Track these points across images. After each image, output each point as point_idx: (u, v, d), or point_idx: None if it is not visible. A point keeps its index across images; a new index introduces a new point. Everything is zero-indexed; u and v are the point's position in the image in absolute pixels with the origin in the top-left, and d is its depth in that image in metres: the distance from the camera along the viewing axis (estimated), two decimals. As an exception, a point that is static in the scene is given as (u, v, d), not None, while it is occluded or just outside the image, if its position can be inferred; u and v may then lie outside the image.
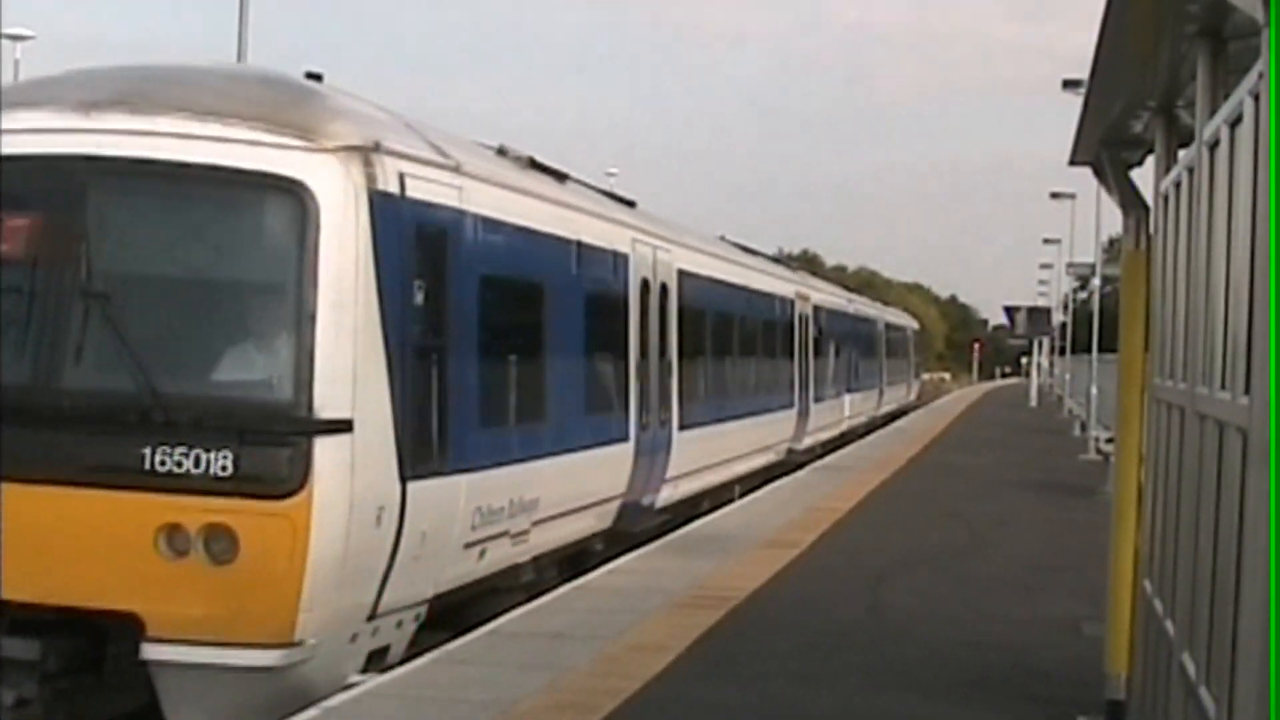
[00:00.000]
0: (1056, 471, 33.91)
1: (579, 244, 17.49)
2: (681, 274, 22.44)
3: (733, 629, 14.14)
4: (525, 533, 15.27)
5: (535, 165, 17.54)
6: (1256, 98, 5.33)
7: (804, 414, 35.07)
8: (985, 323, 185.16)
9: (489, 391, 14.39)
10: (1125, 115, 9.72)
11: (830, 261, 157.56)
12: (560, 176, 18.53)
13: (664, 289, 21.34)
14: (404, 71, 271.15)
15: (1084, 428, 45.52)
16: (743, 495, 26.70)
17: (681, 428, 21.88)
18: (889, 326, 61.81)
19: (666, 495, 21.65)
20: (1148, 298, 10.07)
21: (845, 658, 13.06)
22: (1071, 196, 61.16)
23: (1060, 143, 11.68)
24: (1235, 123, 5.97)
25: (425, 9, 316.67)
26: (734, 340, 27.45)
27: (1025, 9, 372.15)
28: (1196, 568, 6.70)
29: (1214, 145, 6.67)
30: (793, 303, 34.69)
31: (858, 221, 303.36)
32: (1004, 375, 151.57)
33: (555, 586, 16.32)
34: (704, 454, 23.72)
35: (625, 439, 19.12)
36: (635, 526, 19.87)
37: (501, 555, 14.74)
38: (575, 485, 17.08)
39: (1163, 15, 7.10)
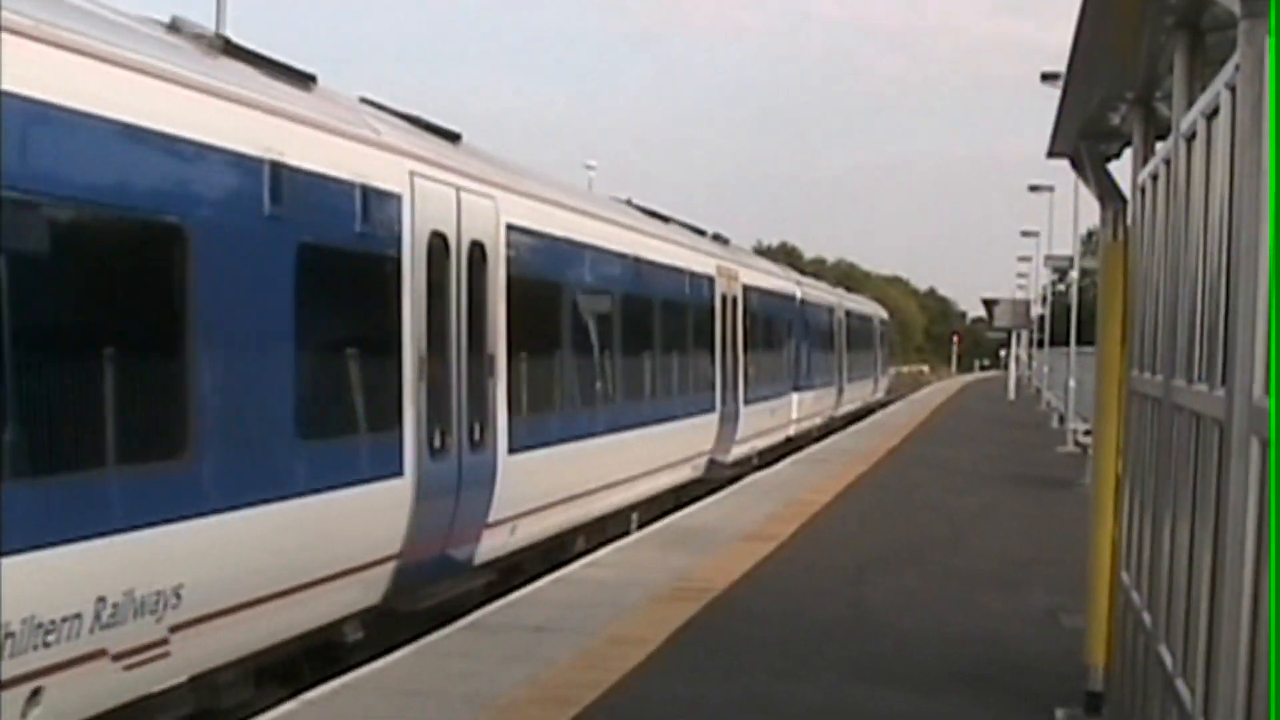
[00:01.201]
0: (1035, 464, 33.96)
1: (274, 166, 11.26)
2: (514, 231, 16.23)
3: (713, 622, 14.14)
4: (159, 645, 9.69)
5: (228, 46, 11.77)
6: (1233, 90, 5.35)
7: (729, 419, 28.72)
8: (964, 315, 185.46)
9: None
10: (1103, 108, 9.74)
11: (809, 254, 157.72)
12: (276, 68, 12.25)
13: (477, 250, 15.10)
14: (389, 62, 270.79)
15: (1062, 420, 45.60)
16: (644, 525, 21.63)
17: (515, 449, 15.88)
18: (851, 315, 55.01)
19: (493, 545, 15.79)
20: (1125, 290, 10.10)
21: (825, 650, 13.07)
22: (1050, 189, 61.34)
23: (1039, 136, 11.70)
24: (1212, 115, 5.99)
25: (407, 3, 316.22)
26: (611, 327, 20.80)
27: (1008, 4, 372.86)
28: (1174, 559, 6.72)
29: (1191, 137, 6.69)
30: (711, 281, 27.74)
31: (837, 214, 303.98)
32: (983, 368, 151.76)
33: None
34: (555, 483, 17.70)
35: (397, 473, 13.11)
36: (422, 600, 13.97)
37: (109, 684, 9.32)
38: (288, 552, 11.42)
39: (1141, 8, 7.12)
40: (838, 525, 21.62)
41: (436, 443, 13.92)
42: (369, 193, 12.72)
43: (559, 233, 18.33)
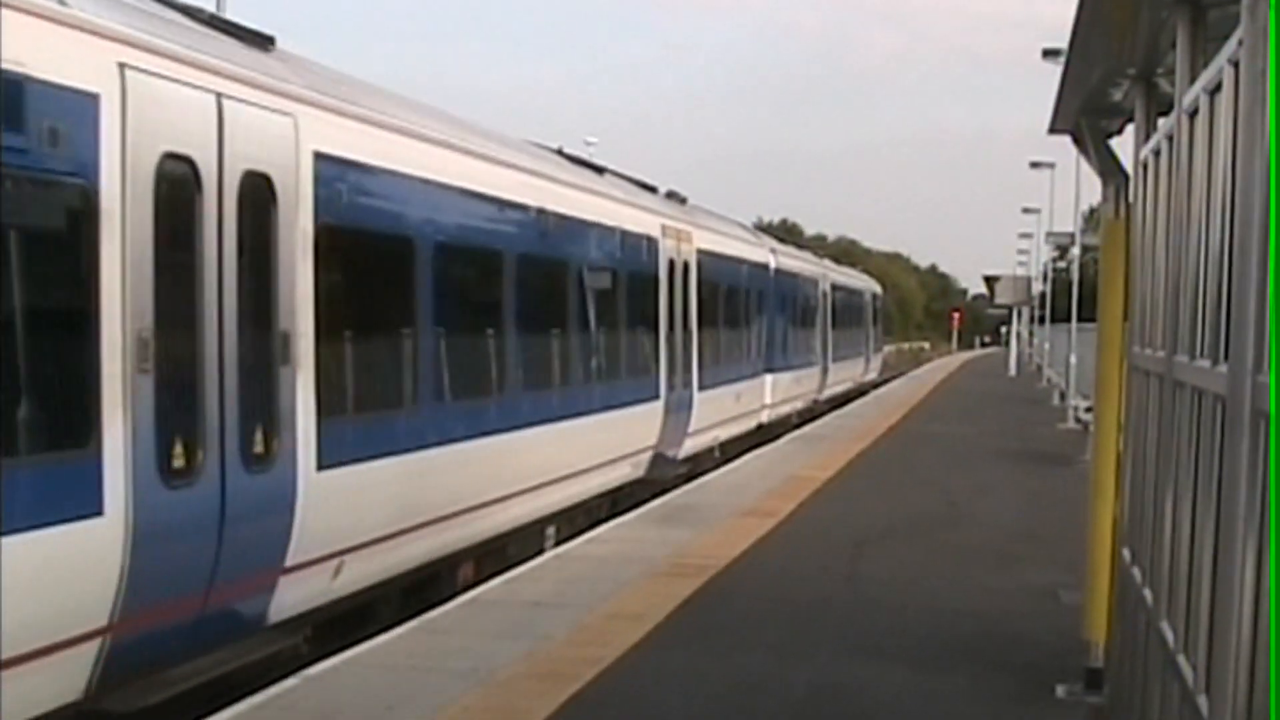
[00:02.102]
0: (1035, 440, 33.98)
1: None
2: (329, 163, 12.29)
3: (711, 598, 14.15)
4: None
5: None
6: (1236, 65, 5.32)
7: (679, 407, 24.64)
8: (965, 292, 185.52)
9: None
10: (1104, 83, 9.71)
11: (810, 231, 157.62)
12: None
13: (257, 186, 11.19)
14: (382, 42, 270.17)
15: (1063, 397, 45.60)
16: (569, 539, 18.23)
17: (330, 463, 12.06)
18: (837, 289, 49.85)
19: (300, 594, 11.98)
20: (1127, 266, 10.07)
21: (823, 627, 13.08)
22: (1051, 166, 61.17)
23: (1040, 112, 11.67)
24: (1215, 91, 5.95)
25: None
26: (502, 298, 16.55)
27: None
28: (1175, 536, 6.71)
29: (1193, 113, 6.66)
30: (653, 243, 23.25)
31: (837, 191, 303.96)
32: (983, 345, 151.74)
33: None
34: (411, 501, 13.86)
35: (93, 512, 9.27)
36: (153, 694, 10.08)
37: None
38: None
39: (1143, -17, 7.09)
40: (837, 502, 21.63)
41: (176, 462, 10.09)
42: (29, 88, 8.76)
43: (413, 171, 14.05)
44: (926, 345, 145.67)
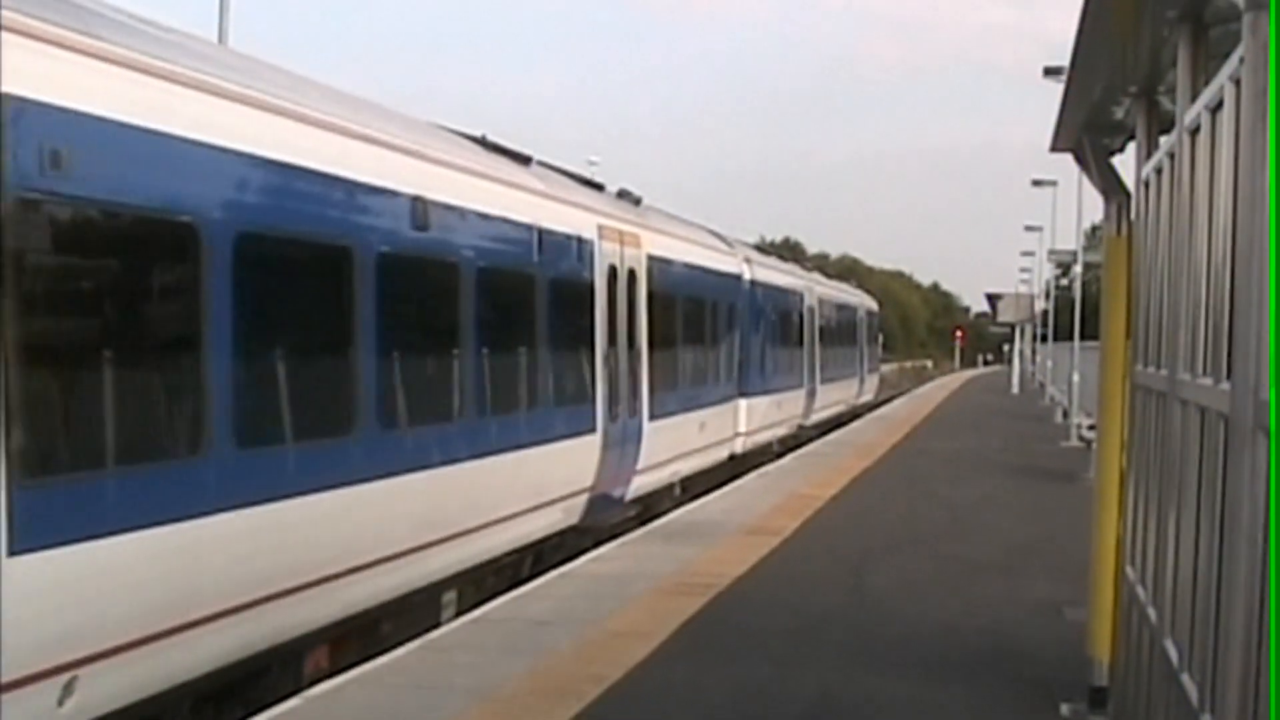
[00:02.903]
0: (1039, 458, 33.96)
1: None
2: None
3: (716, 615, 14.15)
4: None
5: None
6: (1237, 83, 5.34)
7: (623, 440, 20.81)
8: (967, 310, 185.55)
9: None
10: (1106, 101, 9.73)
11: (813, 249, 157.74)
12: None
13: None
14: (385, 56, 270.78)
15: (1066, 414, 45.55)
16: (466, 609, 14.80)
17: (21, 549, 8.32)
18: (826, 303, 45.83)
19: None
20: (1129, 284, 10.09)
21: (828, 642, 13.07)
22: (1053, 184, 61.16)
23: (1043, 129, 11.69)
24: (1216, 108, 5.97)
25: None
26: (354, 309, 12.73)
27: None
28: (1179, 554, 6.71)
29: (1195, 131, 6.67)
30: (586, 246, 19.49)
31: (840, 208, 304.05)
32: (986, 363, 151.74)
33: None
34: (198, 581, 10.30)
35: None
36: None
37: None
38: None
39: (1144, 0, 7.10)
40: (842, 519, 21.62)
41: None
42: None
43: (189, 132, 10.25)
44: (929, 363, 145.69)
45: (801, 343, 39.89)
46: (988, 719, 10.81)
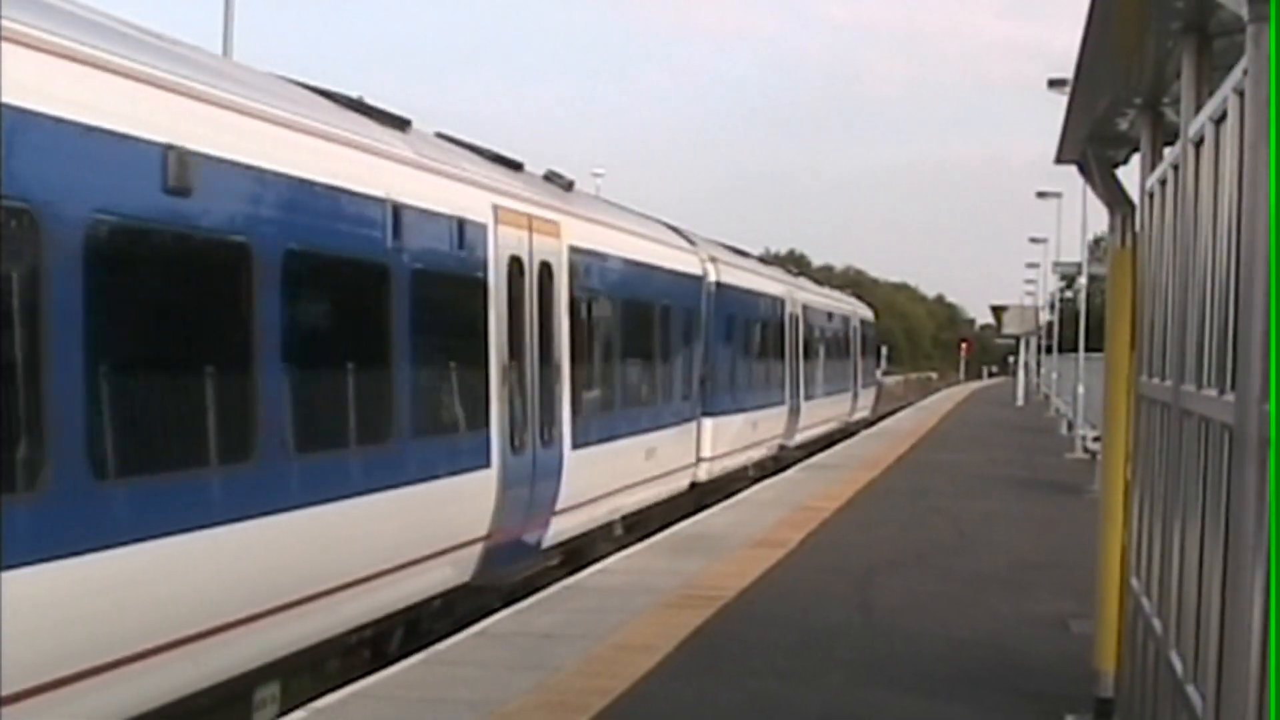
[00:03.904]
0: (1044, 470, 33.94)
1: None
2: None
3: (721, 628, 14.13)
4: None
5: None
6: (1241, 94, 5.34)
7: (534, 475, 16.86)
8: (972, 322, 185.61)
9: None
10: (1111, 113, 9.73)
11: (817, 261, 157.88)
12: None
13: None
14: (392, 71, 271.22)
15: (1070, 426, 45.56)
16: (290, 708, 11.31)
17: None
18: (812, 310, 41.37)
19: None
20: (1134, 295, 10.08)
21: (834, 656, 13.05)
22: (1058, 196, 61.34)
23: (1047, 142, 11.69)
24: (1220, 119, 5.97)
25: (414, 8, 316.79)
26: (55, 296, 8.71)
27: (1016, 7, 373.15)
28: (1184, 565, 6.71)
29: (1199, 142, 6.68)
30: (479, 232, 15.47)
31: (844, 221, 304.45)
32: (991, 375, 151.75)
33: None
34: None
35: None
36: None
37: None
38: None
39: (1148, 12, 7.11)
40: (847, 531, 21.60)
41: None
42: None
43: None
44: (934, 375, 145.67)
45: (782, 354, 35.92)
46: (994, 731, 10.80)
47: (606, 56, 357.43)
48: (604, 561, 18.43)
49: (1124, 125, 10.05)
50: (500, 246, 15.96)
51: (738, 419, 29.51)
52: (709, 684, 11.89)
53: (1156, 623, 7.76)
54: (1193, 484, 6.49)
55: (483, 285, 15.55)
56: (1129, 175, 10.84)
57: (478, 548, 15.34)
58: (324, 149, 12.37)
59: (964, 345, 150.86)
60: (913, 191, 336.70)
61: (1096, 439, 25.13)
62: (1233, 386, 5.32)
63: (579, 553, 19.22)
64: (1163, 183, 8.34)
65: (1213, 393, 5.96)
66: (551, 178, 19.91)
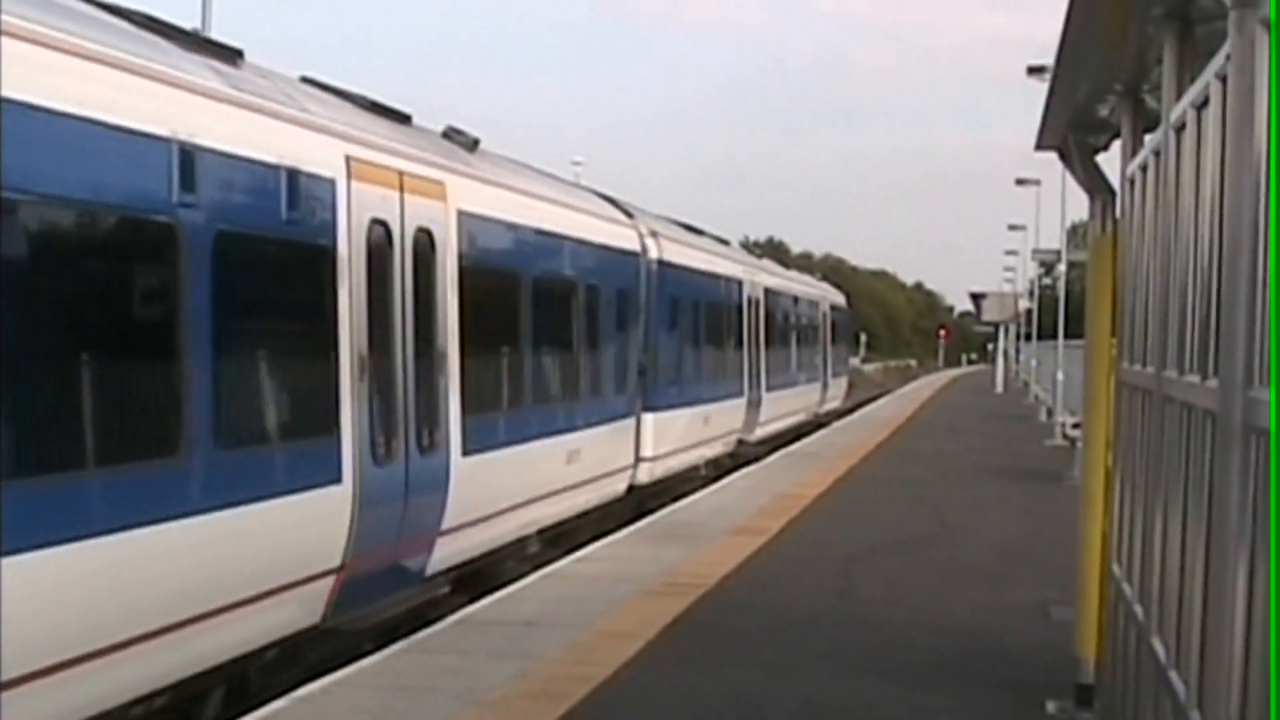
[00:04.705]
0: (1023, 457, 33.99)
1: None
2: None
3: (703, 616, 14.14)
4: None
5: None
6: (1224, 80, 5.34)
7: (410, 491, 13.94)
8: (951, 309, 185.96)
9: None
10: (1092, 99, 9.73)
11: (797, 249, 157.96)
12: None
13: None
14: (373, 62, 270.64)
15: (1050, 413, 45.63)
16: None
17: None
18: (774, 294, 38.28)
19: None
20: (1114, 282, 10.09)
21: (814, 644, 13.07)
22: (1037, 183, 61.38)
23: (1027, 129, 11.70)
24: (1202, 106, 5.98)
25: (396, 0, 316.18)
26: None
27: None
28: (1166, 551, 6.72)
29: (1180, 129, 6.68)
30: (324, 190, 12.60)
31: (825, 208, 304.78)
32: (970, 362, 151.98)
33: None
34: None
35: None
36: None
37: None
38: None
39: (1129, -1, 7.11)
40: (827, 519, 21.62)
41: None
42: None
43: None
44: (914, 362, 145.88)
45: (741, 342, 32.98)
46: (974, 718, 10.81)
47: (590, 49, 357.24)
48: (584, 549, 18.42)
49: (1105, 112, 10.05)
50: (357, 207, 12.95)
51: (685, 414, 26.56)
52: (691, 672, 11.90)
53: (1138, 609, 7.77)
54: (1174, 470, 6.50)
55: (328, 255, 12.48)
56: (1109, 162, 10.86)
57: (328, 582, 12.41)
58: (67, 66, 9.33)
59: (943, 332, 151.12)
60: (892, 179, 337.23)
61: (1076, 426, 25.17)
62: (1215, 372, 5.32)
63: (481, 577, 16.28)
64: (1144, 169, 8.35)
65: (1195, 379, 5.96)
66: (452, 134, 17.25)
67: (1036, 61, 33.17)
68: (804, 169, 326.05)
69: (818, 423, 44.99)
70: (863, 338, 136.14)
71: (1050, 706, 10.88)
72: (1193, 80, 6.51)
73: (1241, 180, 4.81)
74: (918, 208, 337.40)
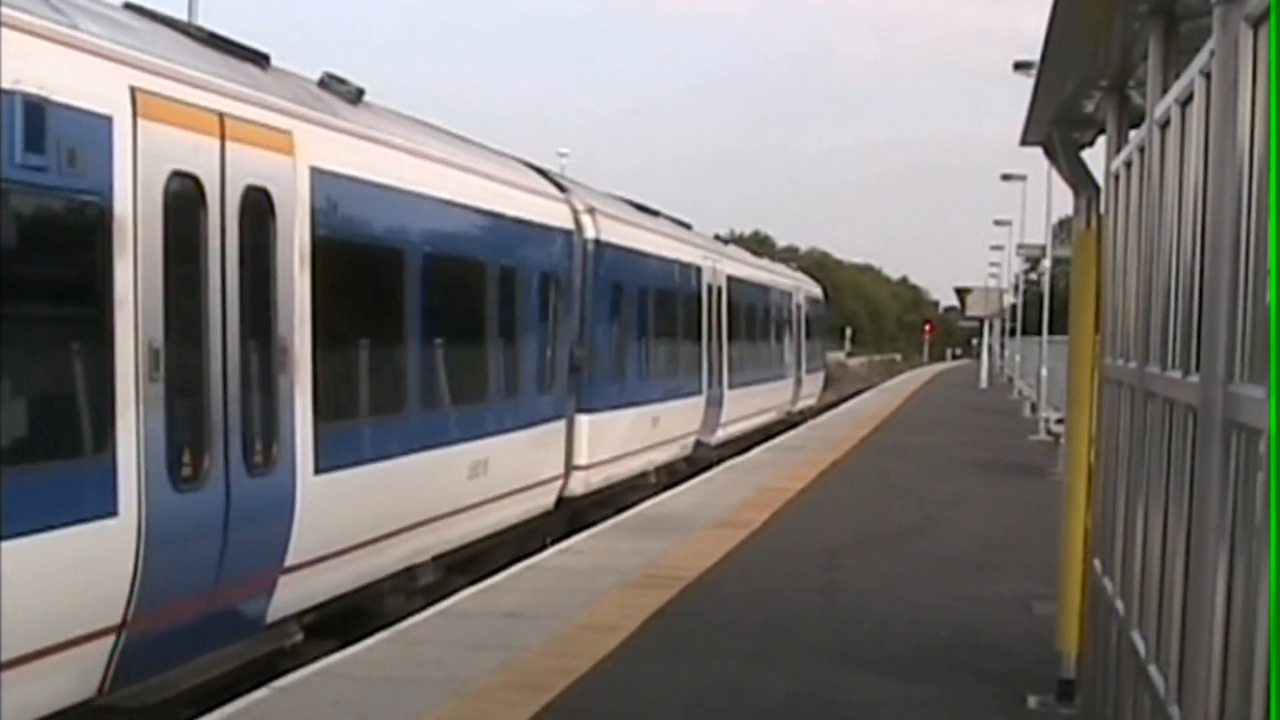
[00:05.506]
0: (1007, 452, 34.04)
1: None
2: None
3: (685, 609, 14.14)
4: None
5: None
6: (1208, 76, 5.35)
7: (220, 526, 10.88)
8: (937, 304, 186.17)
9: None
10: (1077, 95, 9.75)
11: (782, 243, 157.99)
12: None
13: None
14: (361, 54, 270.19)
15: (1034, 409, 45.68)
16: None
17: None
18: (740, 284, 35.17)
19: None
20: (1098, 278, 10.11)
21: (798, 637, 13.07)
22: (1023, 178, 61.36)
23: (1013, 124, 11.70)
24: (1186, 102, 5.98)
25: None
26: None
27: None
28: (1147, 546, 6.73)
29: (1165, 124, 6.69)
30: (97, 130, 9.57)
31: (810, 202, 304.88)
32: (955, 357, 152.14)
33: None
34: None
35: None
36: None
37: None
38: None
39: (1115, -5, 7.12)
40: (810, 512, 21.63)
41: None
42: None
43: None
44: (899, 357, 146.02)
45: (700, 335, 30.05)
46: (955, 713, 10.82)
47: (572, 38, 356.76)
48: (567, 541, 18.40)
49: (1090, 107, 10.06)
50: (147, 155, 10.08)
51: (628, 415, 23.61)
52: (674, 664, 11.90)
53: (1119, 604, 7.79)
54: (1156, 465, 6.51)
55: (96, 216, 9.60)
56: (1094, 157, 10.87)
57: (102, 644, 9.67)
58: None
59: (928, 327, 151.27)
60: (878, 173, 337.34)
61: (1059, 421, 25.20)
62: (1197, 368, 5.33)
63: (362, 616, 13.83)
64: (1128, 165, 8.36)
65: (1177, 374, 5.97)
66: (331, 83, 14.43)
67: (1023, 56, 33.14)
68: (790, 162, 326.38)
69: (791, 422, 42.43)
70: (848, 332, 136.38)
71: (1032, 701, 10.90)
72: (1177, 76, 6.52)
73: (1225, 176, 4.82)
74: (904, 202, 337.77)
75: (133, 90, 10.02)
